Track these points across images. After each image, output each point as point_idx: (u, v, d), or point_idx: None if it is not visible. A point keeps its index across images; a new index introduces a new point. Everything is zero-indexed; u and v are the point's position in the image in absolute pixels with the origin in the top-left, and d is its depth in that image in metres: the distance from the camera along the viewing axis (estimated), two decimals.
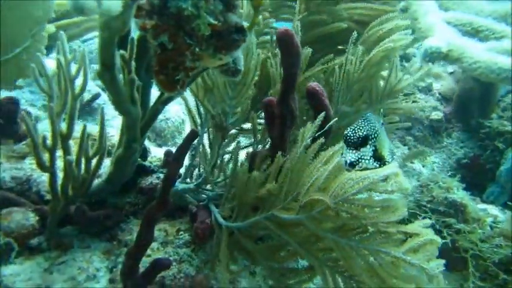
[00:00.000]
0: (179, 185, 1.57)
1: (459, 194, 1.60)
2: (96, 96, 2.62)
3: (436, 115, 3.14)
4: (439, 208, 1.54)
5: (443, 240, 1.47)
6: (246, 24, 0.85)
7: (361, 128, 0.82)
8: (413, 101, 3.28)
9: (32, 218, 1.44)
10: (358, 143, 0.81)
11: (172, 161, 1.15)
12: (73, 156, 1.32)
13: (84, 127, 1.33)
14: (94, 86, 2.79)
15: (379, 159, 0.83)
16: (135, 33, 1.29)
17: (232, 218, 1.33)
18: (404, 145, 3.23)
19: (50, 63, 2.00)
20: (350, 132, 0.82)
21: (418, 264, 0.97)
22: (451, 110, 3.21)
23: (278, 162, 1.12)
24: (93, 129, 2.42)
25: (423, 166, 3.07)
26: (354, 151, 0.81)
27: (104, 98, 2.82)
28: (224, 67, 0.89)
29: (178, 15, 0.77)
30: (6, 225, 1.38)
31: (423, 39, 1.38)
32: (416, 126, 3.20)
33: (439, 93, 3.31)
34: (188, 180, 1.60)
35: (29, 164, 1.70)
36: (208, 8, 0.78)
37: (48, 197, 1.56)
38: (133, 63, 1.11)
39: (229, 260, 1.31)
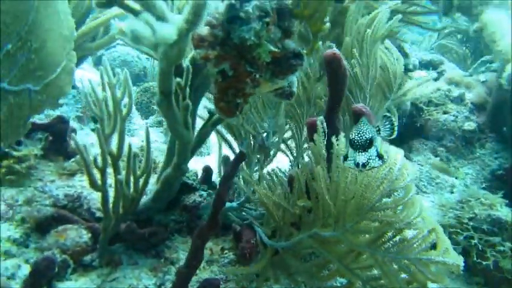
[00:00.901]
0: None
1: (503, 211, 1.58)
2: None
3: (469, 125, 3.09)
4: (482, 226, 1.52)
5: (485, 262, 1.46)
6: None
7: (365, 131, 0.89)
8: (445, 112, 3.26)
9: (85, 236, 1.51)
10: (366, 145, 0.88)
11: (222, 183, 1.19)
12: (122, 176, 1.39)
13: (130, 146, 1.39)
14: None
15: (381, 157, 0.90)
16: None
17: (276, 237, 1.37)
18: (436, 156, 3.19)
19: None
20: (357, 137, 0.88)
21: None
22: (485, 120, 3.16)
23: (318, 180, 1.14)
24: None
25: (456, 178, 3.03)
26: (363, 153, 0.88)
27: (133, 109, 2.93)
28: (279, 90, 0.92)
29: (240, 45, 0.81)
30: (62, 242, 1.45)
31: (505, 62, 1.38)
32: (448, 137, 3.16)
33: (472, 103, 3.26)
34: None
35: (79, 181, 1.78)
36: (269, 36, 0.82)
37: (99, 214, 1.63)
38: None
39: (273, 279, 1.34)
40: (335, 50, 1.06)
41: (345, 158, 0.93)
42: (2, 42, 1.31)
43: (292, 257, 1.31)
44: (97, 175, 1.40)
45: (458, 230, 1.56)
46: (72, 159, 1.89)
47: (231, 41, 0.84)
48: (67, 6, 1.51)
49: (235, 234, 1.51)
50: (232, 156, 1.85)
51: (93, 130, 2.48)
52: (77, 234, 1.50)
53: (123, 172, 1.43)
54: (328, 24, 0.90)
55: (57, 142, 1.89)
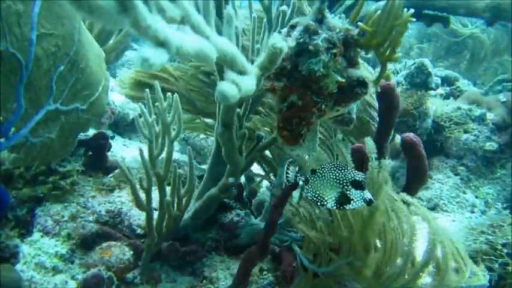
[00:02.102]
0: (260, 223, 1.65)
1: None
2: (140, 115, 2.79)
3: (491, 146, 3.11)
4: None
5: None
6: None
7: (355, 172, 1.04)
8: (466, 131, 3.29)
9: (128, 253, 1.56)
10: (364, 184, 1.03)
11: (273, 210, 1.23)
12: (169, 197, 1.44)
13: (176, 168, 1.44)
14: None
15: None
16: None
17: (317, 261, 1.40)
18: (456, 175, 3.21)
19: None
20: (360, 177, 1.03)
21: None
22: (506, 140, 3.18)
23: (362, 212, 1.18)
24: (135, 146, 2.58)
25: (476, 197, 3.05)
26: (366, 190, 1.03)
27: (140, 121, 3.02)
28: (339, 117, 0.96)
29: (308, 76, 0.85)
30: (107, 259, 1.50)
31: None
32: (469, 156, 3.18)
33: (493, 123, 3.28)
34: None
35: (118, 196, 1.83)
36: (336, 67, 0.86)
37: (139, 230, 1.68)
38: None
39: None
40: (390, 82, 1.10)
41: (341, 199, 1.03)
42: (57, 64, 1.37)
43: (334, 282, 1.34)
44: (142, 195, 1.46)
45: (492, 257, 1.59)
46: (111, 175, 1.95)
47: (299, 73, 0.88)
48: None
49: (274, 256, 1.55)
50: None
51: (111, 138, 2.55)
52: (120, 252, 1.54)
53: (168, 191, 1.48)
54: (399, 54, 0.93)
55: (97, 158, 1.95)
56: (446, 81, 4.55)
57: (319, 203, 1.05)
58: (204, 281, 1.57)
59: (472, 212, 2.94)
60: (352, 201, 1.05)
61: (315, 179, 1.05)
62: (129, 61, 4.32)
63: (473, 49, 5.29)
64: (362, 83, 0.86)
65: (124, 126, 3.13)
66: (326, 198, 1.05)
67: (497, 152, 3.13)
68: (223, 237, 1.70)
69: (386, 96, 1.10)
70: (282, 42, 0.67)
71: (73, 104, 1.53)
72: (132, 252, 1.57)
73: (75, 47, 1.46)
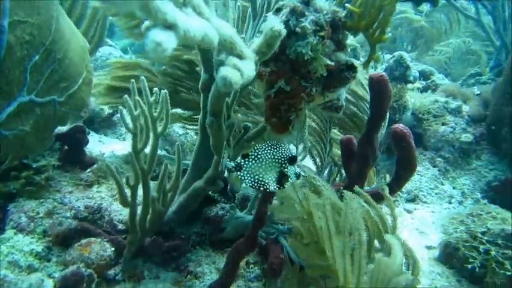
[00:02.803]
0: (246, 216, 1.62)
1: None
2: (117, 110, 2.71)
3: (467, 137, 3.19)
4: (496, 240, 1.58)
5: (509, 273, 1.51)
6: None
7: (288, 148, 0.98)
8: (443, 123, 3.36)
9: (109, 249, 1.50)
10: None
11: (262, 202, 1.20)
12: (154, 193, 1.38)
13: (166, 165, 1.39)
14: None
15: None
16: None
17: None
18: (434, 167, 3.28)
19: None
20: (293, 152, 0.99)
21: None
22: (481, 132, 3.26)
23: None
24: (111, 142, 2.49)
25: (454, 188, 3.12)
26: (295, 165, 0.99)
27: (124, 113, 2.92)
28: (328, 103, 0.94)
29: (295, 60, 0.82)
30: (86, 256, 1.44)
31: None
32: (446, 148, 3.25)
33: (468, 115, 3.36)
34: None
35: (97, 192, 1.76)
36: (324, 50, 0.83)
37: (120, 226, 1.62)
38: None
39: None
40: (382, 72, 1.09)
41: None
42: (31, 54, 1.29)
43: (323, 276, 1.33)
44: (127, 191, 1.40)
45: (474, 244, 1.61)
46: (89, 170, 1.87)
47: (286, 56, 0.85)
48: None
49: (261, 249, 1.53)
50: None
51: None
52: (100, 248, 1.48)
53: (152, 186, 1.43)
54: (389, 34, 0.92)
55: (74, 152, 1.87)
56: (422, 75, 4.65)
57: (261, 188, 0.99)
58: (189, 276, 1.53)
59: (450, 202, 3.01)
60: (289, 178, 1.00)
61: (249, 163, 0.98)
62: (102, 56, 4.17)
63: (426, 35, 5.46)
64: (351, 67, 0.84)
65: (99, 122, 3.02)
66: (267, 181, 0.98)
67: (473, 144, 3.22)
68: (208, 231, 1.66)
69: (379, 87, 1.09)
70: (280, 24, 0.64)
71: (49, 96, 1.45)
72: (113, 249, 1.50)
73: (51, 37, 1.38)
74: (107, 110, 2.96)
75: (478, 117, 3.41)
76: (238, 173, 0.97)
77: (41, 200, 1.61)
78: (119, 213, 1.66)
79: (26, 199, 1.59)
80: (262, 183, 0.98)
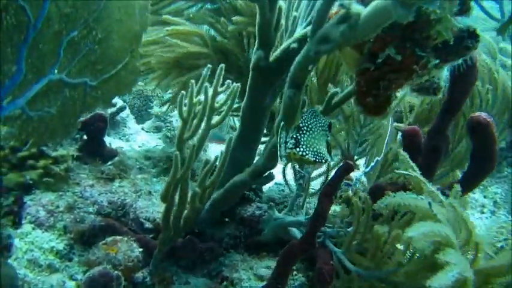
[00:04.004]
0: (286, 217, 1.47)
1: None
2: (121, 109, 2.55)
3: (500, 143, 3.04)
4: None
5: None
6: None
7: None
8: None
9: (137, 249, 1.34)
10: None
11: (323, 198, 1.05)
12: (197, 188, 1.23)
13: (216, 158, 1.23)
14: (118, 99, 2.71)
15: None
16: None
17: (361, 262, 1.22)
18: None
19: None
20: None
21: None
22: None
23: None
24: (115, 143, 2.34)
25: (484, 197, 2.97)
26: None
27: (127, 112, 2.76)
28: (426, 83, 0.78)
29: (412, 22, 0.65)
30: (113, 256, 1.28)
31: None
32: None
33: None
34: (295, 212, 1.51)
35: (119, 186, 1.61)
36: (451, 9, 0.66)
37: (148, 224, 1.46)
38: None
39: None
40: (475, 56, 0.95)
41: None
42: (69, 28, 1.15)
43: None
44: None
45: None
46: (110, 162, 1.72)
47: None
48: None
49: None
50: None
51: None
52: (128, 248, 1.32)
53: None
54: None
55: (94, 142, 1.72)
56: None
57: (322, 161, 0.87)
58: (225, 283, 1.36)
59: (482, 212, 2.85)
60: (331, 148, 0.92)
61: (304, 135, 0.86)
62: None
63: None
64: (473, 34, 0.69)
65: None
66: (324, 153, 0.87)
67: (505, 150, 3.07)
68: (244, 233, 1.50)
69: (468, 69, 0.94)
70: None
71: (81, 78, 1.30)
72: (141, 249, 1.35)
73: (96, 14, 1.24)
74: (109, 109, 2.79)
75: None
76: (297, 149, 0.84)
77: (60, 193, 1.45)
78: (145, 210, 1.50)
79: (43, 191, 1.44)
80: (322, 155, 0.86)
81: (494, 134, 1.04)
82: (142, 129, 2.93)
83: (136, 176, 1.77)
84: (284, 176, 1.59)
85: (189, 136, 1.20)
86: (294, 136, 0.85)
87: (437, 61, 0.69)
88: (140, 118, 3.04)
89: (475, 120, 1.05)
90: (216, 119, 1.19)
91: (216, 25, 1.53)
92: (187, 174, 1.21)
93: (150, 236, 1.43)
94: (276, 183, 1.99)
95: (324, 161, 0.87)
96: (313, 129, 0.86)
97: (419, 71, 0.69)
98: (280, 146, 0.88)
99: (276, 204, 1.67)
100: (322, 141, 0.88)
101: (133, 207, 1.49)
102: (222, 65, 1.09)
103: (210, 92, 1.11)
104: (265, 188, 1.90)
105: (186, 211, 1.29)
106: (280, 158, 0.88)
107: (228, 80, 1.12)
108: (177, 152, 1.13)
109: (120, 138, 2.85)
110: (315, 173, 1.53)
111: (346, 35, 0.60)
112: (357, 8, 0.57)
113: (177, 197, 1.26)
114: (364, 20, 0.56)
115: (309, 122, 0.87)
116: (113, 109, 2.71)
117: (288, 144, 0.86)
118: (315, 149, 0.85)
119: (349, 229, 1.32)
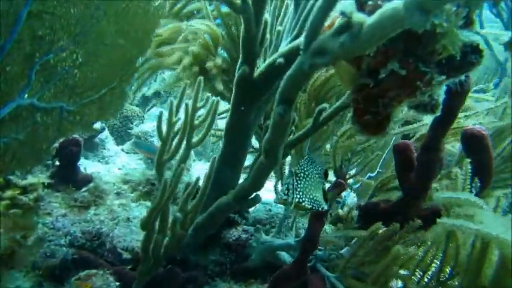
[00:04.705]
0: (274, 241, 1.39)
1: None
2: (100, 130, 2.44)
3: None
4: None
5: None
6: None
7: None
8: None
9: (113, 283, 1.23)
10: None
11: (314, 218, 0.99)
12: (179, 213, 1.14)
13: (197, 180, 1.16)
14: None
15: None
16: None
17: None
18: None
19: None
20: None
21: None
22: None
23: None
24: (93, 166, 2.23)
25: None
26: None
27: (106, 133, 2.66)
28: (425, 100, 0.74)
29: (417, 35, 0.60)
30: None
31: None
32: None
33: None
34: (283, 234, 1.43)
35: (94, 214, 1.50)
36: (457, 22, 0.61)
37: (126, 255, 1.36)
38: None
39: None
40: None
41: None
42: (44, 51, 1.07)
43: None
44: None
45: None
46: (84, 189, 1.61)
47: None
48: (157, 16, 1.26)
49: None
50: None
51: None
52: (103, 282, 1.21)
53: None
54: None
55: (67, 168, 1.61)
56: None
57: (319, 208, 0.90)
58: None
59: None
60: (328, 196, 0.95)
61: (301, 182, 0.90)
62: None
63: None
64: (476, 49, 0.66)
65: None
66: (320, 200, 0.90)
67: None
68: (230, 259, 1.41)
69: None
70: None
71: (56, 102, 1.22)
72: (118, 283, 1.24)
73: (80, 37, 1.16)
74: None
75: None
76: (294, 195, 0.88)
77: None
78: (123, 238, 1.40)
79: None
80: (318, 202, 0.90)
81: (490, 147, 1.01)
82: (122, 150, 2.81)
83: (114, 202, 1.67)
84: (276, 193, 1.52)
85: (168, 158, 1.12)
86: (291, 183, 0.88)
87: (443, 77, 0.64)
88: (120, 139, 2.93)
89: (469, 133, 1.02)
90: (196, 138, 1.12)
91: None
92: (170, 199, 1.13)
93: (129, 267, 1.32)
94: (262, 203, 1.92)
95: (320, 208, 0.89)
96: (309, 176, 0.89)
97: (423, 88, 0.64)
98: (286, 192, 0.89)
99: (263, 225, 1.59)
100: (319, 188, 0.90)
101: (110, 237, 1.38)
102: (201, 78, 1.03)
103: (190, 108, 1.05)
104: (252, 208, 1.83)
105: (167, 238, 1.20)
106: (290, 204, 0.89)
107: (208, 94, 1.06)
108: (166, 177, 1.05)
109: (99, 160, 2.72)
110: None
111: (346, 46, 0.54)
112: (359, 16, 0.52)
113: (157, 224, 1.17)
114: (369, 30, 0.51)
115: (305, 169, 0.89)
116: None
117: (282, 191, 0.88)
118: (311, 196, 0.88)
119: (342, 251, 1.26)
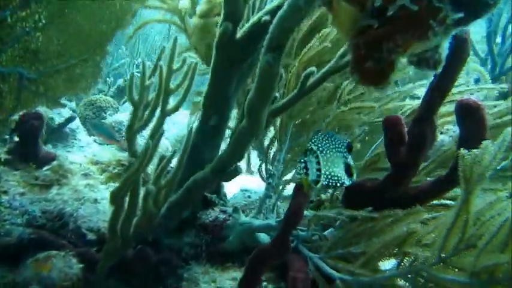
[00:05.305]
0: (254, 221, 1.31)
1: None
2: (70, 119, 2.30)
3: None
4: None
5: None
6: None
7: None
8: None
9: (76, 266, 1.11)
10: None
11: (299, 189, 0.91)
12: (152, 185, 1.04)
13: (174, 153, 1.05)
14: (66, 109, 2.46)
15: None
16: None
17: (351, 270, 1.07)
18: None
19: None
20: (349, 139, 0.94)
21: None
22: None
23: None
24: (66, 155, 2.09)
25: None
26: None
27: (77, 123, 2.51)
28: (425, 54, 0.66)
29: None
30: (46, 275, 1.04)
31: None
32: None
33: None
34: (264, 214, 1.35)
35: (57, 194, 1.37)
36: None
37: (91, 235, 1.24)
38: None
39: None
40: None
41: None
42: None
43: None
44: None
45: None
46: (47, 167, 1.47)
47: None
48: None
49: None
50: None
51: None
52: (64, 264, 1.09)
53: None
54: None
55: (27, 144, 1.47)
56: None
57: (337, 184, 0.87)
58: None
59: None
60: (354, 169, 0.91)
61: (315, 158, 0.87)
62: None
63: None
64: None
65: (48, 134, 2.53)
66: (340, 175, 0.87)
67: None
68: (206, 241, 1.32)
69: (459, 41, 0.86)
70: None
71: (14, 68, 1.09)
72: (81, 265, 1.12)
73: None
74: (57, 119, 2.50)
75: None
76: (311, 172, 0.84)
77: None
78: (89, 219, 1.28)
79: None
80: (336, 178, 0.86)
81: (486, 119, 0.95)
82: (95, 141, 2.65)
83: (80, 182, 1.54)
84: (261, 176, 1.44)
85: (142, 125, 1.01)
86: (303, 160, 0.85)
87: (460, 15, 0.56)
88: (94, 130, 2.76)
89: (464, 104, 0.96)
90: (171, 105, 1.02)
91: None
92: (142, 170, 1.02)
93: (94, 249, 1.21)
94: (241, 190, 1.84)
95: (339, 184, 0.87)
96: (325, 152, 0.87)
97: (436, 28, 0.56)
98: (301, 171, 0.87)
99: (242, 211, 1.50)
100: (338, 164, 0.88)
101: (74, 217, 1.26)
102: (176, 36, 0.93)
103: (164, 70, 0.95)
104: (230, 195, 1.74)
105: (137, 217, 1.10)
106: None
107: (185, 55, 0.97)
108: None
109: (68, 151, 2.55)
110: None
111: None
112: None
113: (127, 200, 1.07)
114: None
115: (320, 145, 0.87)
116: (61, 119, 2.44)
117: (297, 169, 0.85)
118: (327, 172, 0.85)
119: (326, 232, 1.19)
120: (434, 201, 1.11)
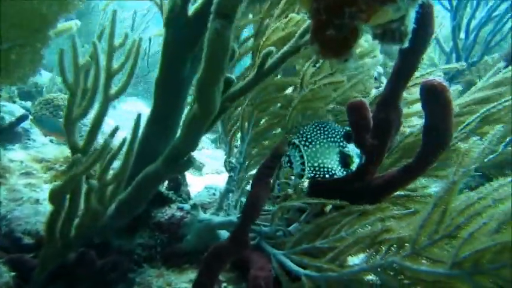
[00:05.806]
0: (214, 218, 1.21)
1: None
2: (22, 118, 2.12)
3: None
4: None
5: None
6: None
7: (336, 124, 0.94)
8: None
9: (6, 274, 0.97)
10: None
11: (257, 180, 0.82)
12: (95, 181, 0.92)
13: (106, 143, 0.94)
14: (17, 107, 2.29)
15: None
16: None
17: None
18: None
19: None
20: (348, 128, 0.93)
21: None
22: None
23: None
24: (17, 156, 1.91)
25: None
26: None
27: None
28: (391, 25, 0.60)
29: None
30: None
31: None
32: None
33: None
34: (225, 211, 1.26)
35: None
36: None
37: (27, 239, 1.10)
38: None
39: None
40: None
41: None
42: None
43: None
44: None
45: None
46: None
47: None
48: None
49: (237, 260, 1.12)
50: None
51: None
52: None
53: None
54: None
55: None
56: None
57: (326, 175, 0.85)
58: None
59: None
60: (353, 159, 0.89)
61: (297, 151, 0.85)
62: None
63: None
64: None
65: None
66: (330, 166, 0.85)
67: None
68: (161, 241, 1.20)
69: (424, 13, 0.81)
70: None
71: None
72: (13, 273, 0.98)
73: None
74: (7, 118, 2.29)
75: None
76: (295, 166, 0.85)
77: None
78: (26, 221, 1.13)
79: None
80: (326, 169, 0.86)
81: (451, 101, 0.91)
82: (51, 141, 2.44)
83: (19, 181, 1.39)
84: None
85: (81, 114, 0.89)
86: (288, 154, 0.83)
87: None
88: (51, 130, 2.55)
89: (429, 86, 0.92)
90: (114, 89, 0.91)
91: None
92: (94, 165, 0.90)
93: (31, 255, 1.06)
94: (206, 188, 1.73)
95: (328, 175, 0.84)
96: (314, 143, 0.85)
97: None
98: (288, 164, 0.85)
99: (205, 209, 1.40)
100: (329, 154, 0.86)
101: (7, 219, 1.11)
102: (115, 9, 0.82)
103: (100, 47, 0.84)
104: (194, 193, 1.63)
105: (79, 216, 0.97)
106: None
107: (126, 30, 0.86)
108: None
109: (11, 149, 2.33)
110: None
111: None
112: None
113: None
114: None
115: (309, 135, 0.85)
116: (12, 118, 2.22)
117: (284, 163, 0.84)
118: (315, 164, 0.84)
119: (290, 227, 1.11)
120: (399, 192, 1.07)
